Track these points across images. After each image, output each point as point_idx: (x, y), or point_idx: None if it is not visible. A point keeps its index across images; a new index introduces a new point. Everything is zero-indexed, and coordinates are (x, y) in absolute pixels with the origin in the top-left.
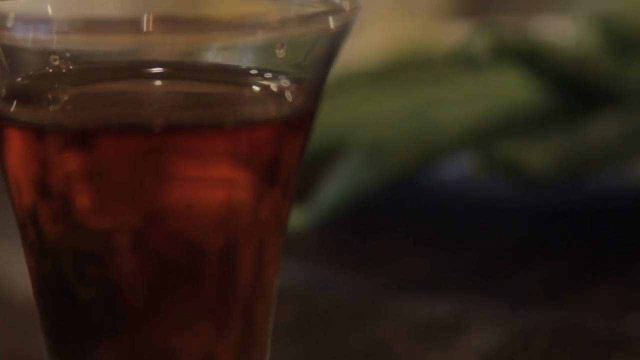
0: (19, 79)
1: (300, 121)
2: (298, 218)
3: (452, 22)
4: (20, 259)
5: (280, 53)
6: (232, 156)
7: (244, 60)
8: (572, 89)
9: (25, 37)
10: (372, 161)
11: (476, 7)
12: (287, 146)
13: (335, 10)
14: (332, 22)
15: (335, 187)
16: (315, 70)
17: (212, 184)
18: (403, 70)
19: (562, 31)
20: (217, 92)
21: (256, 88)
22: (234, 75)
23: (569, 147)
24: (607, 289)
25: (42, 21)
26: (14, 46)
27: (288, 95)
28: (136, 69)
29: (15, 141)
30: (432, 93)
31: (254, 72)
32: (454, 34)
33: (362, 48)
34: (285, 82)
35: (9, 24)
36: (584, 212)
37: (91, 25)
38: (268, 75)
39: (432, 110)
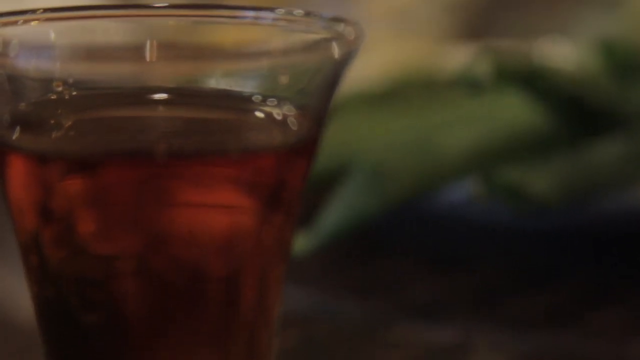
0: (22, 106)
1: (303, 147)
2: (300, 242)
3: (453, 45)
4: (22, 284)
5: (284, 80)
6: (234, 183)
7: (246, 87)
8: (575, 113)
9: (28, 65)
10: (373, 185)
11: (477, 30)
12: (290, 172)
13: (339, 38)
14: (336, 50)
15: (336, 211)
16: (319, 96)
17: (215, 210)
18: (405, 93)
19: (564, 54)
20: (220, 118)
21: (259, 114)
22: (237, 102)
23: (572, 171)
24: (609, 313)
25: (45, 49)
26: (16, 74)
27: (291, 122)
28: (139, 95)
29: (18, 167)
30: (434, 116)
31: (257, 98)
32: (455, 57)
33: (363, 70)
34: (288, 109)
35: (12, 52)
36: (586, 236)
37: (93, 54)
38: (271, 101)
39: (434, 134)
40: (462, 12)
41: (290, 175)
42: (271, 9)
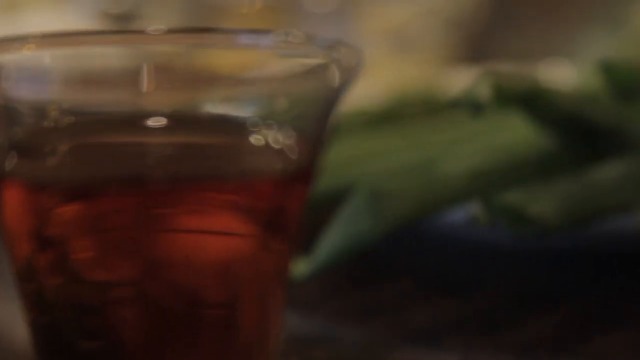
0: (18, 132)
1: (301, 172)
2: (299, 267)
3: (453, 65)
4: (18, 312)
5: (281, 105)
6: (232, 208)
7: (244, 112)
8: (576, 134)
9: (23, 91)
10: (373, 209)
11: (477, 50)
12: (288, 197)
13: (338, 64)
14: (334, 76)
15: (335, 235)
16: (317, 121)
17: (213, 236)
18: (405, 115)
19: (565, 76)
20: (217, 144)
21: (256, 140)
22: (234, 127)
23: (574, 193)
24: (614, 336)
25: (40, 75)
26: (11, 100)
27: (288, 148)
28: (135, 121)
29: (14, 194)
30: (434, 140)
31: (254, 123)
32: (456, 78)
33: (362, 91)
34: (285, 134)
35: (7, 78)
36: (589, 257)
37: (89, 79)
38: (268, 127)
39: (434, 157)
40: (460, 30)
41: (288, 200)
42: (269, 33)
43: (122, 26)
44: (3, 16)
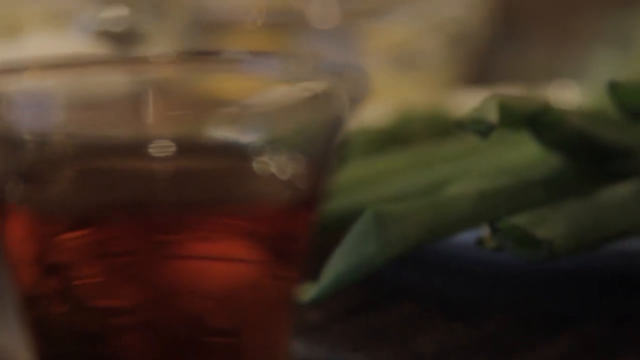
0: (21, 160)
1: (307, 198)
2: (305, 292)
3: (458, 83)
4: (21, 340)
5: (287, 131)
6: (237, 235)
7: (249, 137)
8: (586, 157)
9: (26, 118)
10: (378, 234)
11: (482, 72)
12: (294, 223)
13: (344, 88)
14: (340, 102)
15: (341, 260)
16: (323, 146)
17: (218, 263)
18: (410, 137)
19: (572, 97)
20: (222, 170)
21: (262, 166)
22: (239, 153)
23: (583, 216)
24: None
25: (43, 101)
26: (14, 127)
27: (294, 173)
28: (140, 147)
29: (18, 221)
30: (441, 162)
31: (259, 149)
32: (462, 100)
33: (365, 113)
34: (291, 159)
35: (9, 105)
36: (601, 278)
37: (92, 105)
38: (274, 152)
39: (441, 181)
40: (465, 48)
41: (294, 226)
42: (275, 57)
43: (123, 45)
44: (2, 39)
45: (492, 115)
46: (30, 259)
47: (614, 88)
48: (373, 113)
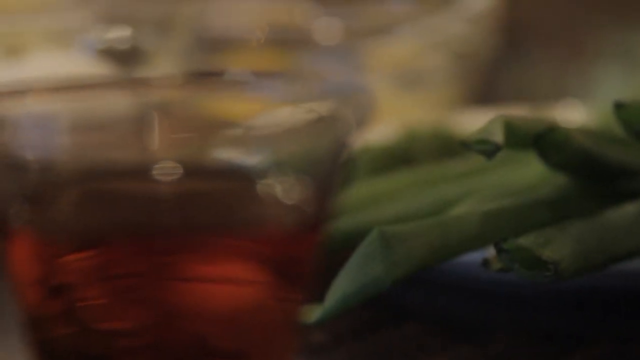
0: (25, 182)
1: (313, 220)
2: (310, 313)
3: (463, 106)
4: None
5: (291, 153)
6: (242, 257)
7: (254, 159)
8: (592, 177)
9: (30, 143)
10: (384, 254)
11: (487, 91)
12: (299, 245)
13: (351, 110)
14: (345, 123)
15: (346, 281)
16: (328, 168)
17: (224, 285)
18: (415, 156)
19: (579, 117)
20: (227, 192)
21: (267, 188)
22: (244, 175)
23: (590, 237)
24: None
25: (47, 123)
26: (18, 152)
27: (299, 195)
28: (145, 168)
29: (22, 243)
30: (447, 182)
31: (264, 171)
32: (467, 119)
33: (370, 132)
34: (296, 181)
35: (13, 128)
36: (609, 298)
37: (96, 127)
38: (279, 174)
39: (447, 201)
40: (470, 66)
41: (299, 248)
42: (280, 78)
43: (126, 65)
44: (5, 60)
45: (498, 136)
46: (35, 280)
47: (619, 108)
48: (377, 132)
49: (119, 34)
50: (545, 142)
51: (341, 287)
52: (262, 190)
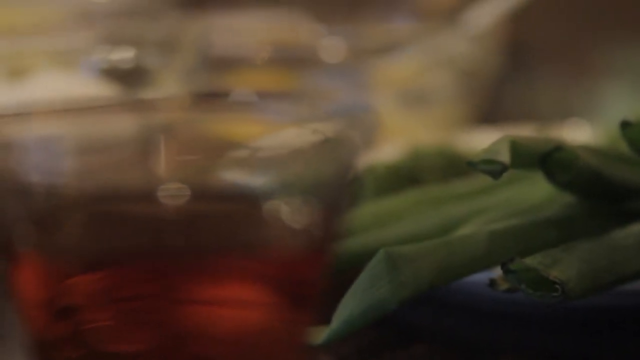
0: (32, 205)
1: (319, 241)
2: (316, 334)
3: (468, 124)
4: None
5: (299, 173)
6: (248, 279)
7: (259, 180)
8: (599, 196)
9: (36, 167)
10: (391, 275)
11: (490, 113)
12: (305, 266)
13: (354, 131)
14: (350, 145)
15: (352, 302)
16: (334, 189)
17: (231, 307)
18: (421, 176)
19: (585, 136)
20: (233, 214)
21: (273, 209)
22: (250, 196)
23: (597, 257)
24: None
25: (52, 146)
26: (24, 175)
27: (306, 216)
28: (150, 191)
29: (29, 266)
30: (453, 201)
31: (271, 192)
32: (472, 140)
33: (376, 154)
34: (303, 203)
35: (19, 150)
36: (616, 316)
37: (101, 149)
38: (286, 195)
39: (453, 221)
40: (473, 84)
41: (305, 269)
42: (285, 99)
43: (131, 85)
44: (9, 81)
45: (504, 156)
46: (41, 303)
47: (626, 127)
48: (382, 151)
49: (123, 55)
50: (552, 161)
51: (347, 308)
52: (268, 212)
